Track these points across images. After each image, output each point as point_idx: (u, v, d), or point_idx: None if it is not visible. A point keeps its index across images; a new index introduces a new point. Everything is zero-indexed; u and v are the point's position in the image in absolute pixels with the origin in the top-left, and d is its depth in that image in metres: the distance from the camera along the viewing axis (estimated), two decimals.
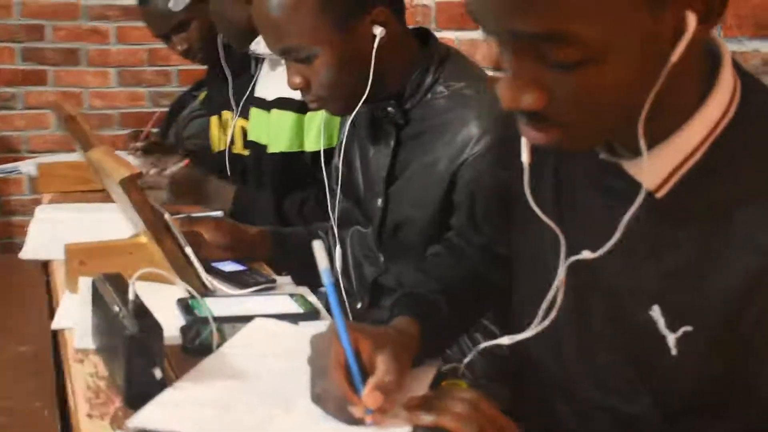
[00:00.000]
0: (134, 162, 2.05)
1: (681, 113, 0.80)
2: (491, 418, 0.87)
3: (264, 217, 1.79)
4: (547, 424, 1.01)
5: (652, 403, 0.90)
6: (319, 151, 1.75)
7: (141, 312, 0.92)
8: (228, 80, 2.26)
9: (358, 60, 1.31)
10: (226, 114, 2.41)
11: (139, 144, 2.38)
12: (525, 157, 0.88)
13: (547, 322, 0.94)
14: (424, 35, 1.42)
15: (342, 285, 1.50)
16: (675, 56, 0.73)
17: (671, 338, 0.85)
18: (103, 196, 2.00)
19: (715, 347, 0.83)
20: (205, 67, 2.60)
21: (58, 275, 1.39)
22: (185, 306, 1.19)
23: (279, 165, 1.87)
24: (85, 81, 3.31)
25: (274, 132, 1.90)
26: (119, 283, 1.02)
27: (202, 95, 2.91)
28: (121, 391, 0.90)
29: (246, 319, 1.14)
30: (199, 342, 1.03)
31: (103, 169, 1.28)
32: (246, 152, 2.20)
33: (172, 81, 3.41)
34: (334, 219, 1.49)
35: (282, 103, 1.86)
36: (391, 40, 1.32)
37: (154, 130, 2.78)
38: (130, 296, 0.95)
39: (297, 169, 1.84)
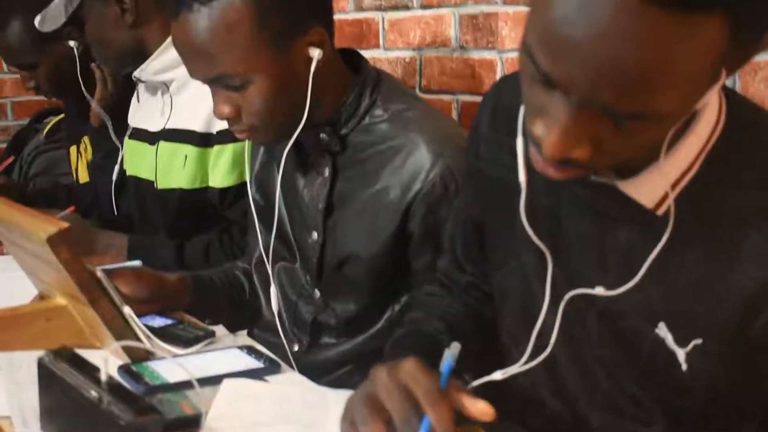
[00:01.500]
0: None
1: (675, 131, 0.78)
2: None
3: (164, 266, 1.62)
4: None
5: (667, 421, 0.88)
6: (227, 188, 1.64)
7: (126, 396, 0.78)
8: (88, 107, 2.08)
9: (294, 85, 1.21)
10: (87, 140, 2.22)
11: None
12: (522, 177, 0.85)
13: (543, 356, 0.89)
14: (350, 56, 1.33)
15: (279, 326, 1.38)
16: (700, 104, 0.73)
17: (681, 353, 0.84)
18: None
19: (726, 357, 0.82)
20: (40, 98, 2.40)
21: None
22: (131, 373, 1.04)
23: (176, 203, 1.71)
24: None
25: (163, 166, 1.74)
26: (77, 361, 0.87)
27: (47, 128, 2.69)
28: None
29: (210, 380, 1.01)
30: (178, 416, 0.90)
31: (10, 223, 1.10)
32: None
33: (7, 115, 3.10)
34: (267, 256, 1.36)
35: (174, 136, 1.71)
36: (326, 63, 1.23)
37: None
38: (103, 377, 0.80)
39: (199, 208, 1.69)
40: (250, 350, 1.15)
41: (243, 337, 1.26)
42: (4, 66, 3.05)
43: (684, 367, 0.84)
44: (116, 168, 1.98)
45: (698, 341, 0.82)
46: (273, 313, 1.40)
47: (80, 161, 2.29)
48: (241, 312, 1.48)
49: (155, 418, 0.75)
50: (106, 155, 2.05)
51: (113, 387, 0.79)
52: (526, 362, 0.89)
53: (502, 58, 1.54)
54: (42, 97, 2.41)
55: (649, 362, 0.86)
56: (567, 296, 0.87)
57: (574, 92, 0.68)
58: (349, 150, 1.28)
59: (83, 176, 2.29)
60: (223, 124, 1.61)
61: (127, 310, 1.09)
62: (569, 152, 0.71)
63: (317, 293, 1.36)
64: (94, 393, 0.78)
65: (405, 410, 0.78)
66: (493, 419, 0.78)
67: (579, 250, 0.89)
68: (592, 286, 0.85)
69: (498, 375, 0.90)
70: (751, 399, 0.86)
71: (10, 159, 2.49)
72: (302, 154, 1.33)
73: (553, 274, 0.89)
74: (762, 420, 0.88)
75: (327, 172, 1.30)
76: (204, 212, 1.71)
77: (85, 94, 2.04)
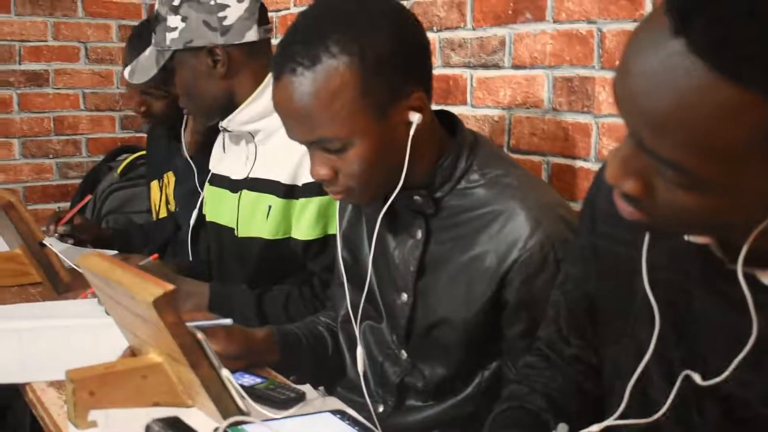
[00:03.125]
0: (57, 248, 1.86)
1: None
2: None
3: (242, 315, 1.63)
4: None
5: None
6: (311, 240, 1.65)
7: None
8: (175, 145, 2.11)
9: (393, 149, 1.20)
10: (170, 176, 2.26)
11: (60, 228, 2.18)
12: (646, 246, 0.85)
13: (652, 418, 0.87)
14: (446, 117, 1.33)
15: (364, 387, 1.36)
16: None
17: None
18: (42, 290, 1.81)
19: None
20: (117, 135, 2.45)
21: (49, 403, 1.20)
22: None
23: (257, 252, 1.72)
24: None
25: (245, 215, 1.75)
26: (183, 429, 0.86)
27: (121, 166, 2.74)
28: None
29: None
30: None
31: (111, 279, 1.11)
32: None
33: (81, 151, 3.16)
34: (354, 314, 1.36)
35: (258, 185, 1.72)
36: (425, 126, 1.22)
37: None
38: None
39: (281, 258, 1.69)
40: (343, 415, 1.15)
41: (332, 400, 1.25)
42: (81, 103, 3.12)
43: None
44: (195, 213, 2.01)
45: None
46: (358, 373, 1.39)
47: (162, 198, 2.32)
48: (324, 369, 1.47)
49: None
50: (187, 193, 2.08)
51: None
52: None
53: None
54: (114, 135, 2.45)
55: None
56: (682, 375, 0.84)
57: (625, 120, 0.73)
58: (444, 213, 1.27)
59: (162, 212, 2.32)
60: (308, 177, 1.61)
61: (225, 373, 1.08)
62: (622, 181, 0.76)
63: (404, 354, 1.35)
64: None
65: None
66: None
67: (707, 334, 0.86)
68: (714, 372, 0.83)
69: (594, 428, 0.89)
70: None
71: (88, 197, 2.53)
72: (394, 215, 1.32)
73: (672, 351, 0.87)
74: None
75: (420, 234, 1.29)
76: (283, 263, 1.71)
77: (182, 131, 2.08)
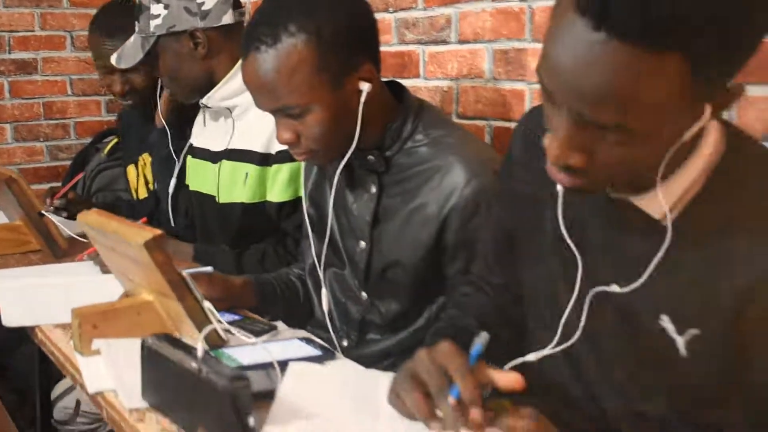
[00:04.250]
0: (54, 219, 2.05)
1: (683, 156, 0.96)
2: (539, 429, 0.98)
3: (224, 272, 1.83)
4: None
5: (667, 400, 1.04)
6: (283, 202, 1.84)
7: (221, 367, 0.97)
8: (146, 127, 2.28)
9: (347, 114, 1.40)
10: (146, 158, 2.43)
11: (56, 202, 2.36)
12: (560, 187, 1.01)
13: (571, 342, 1.07)
14: (395, 86, 1.53)
15: (329, 324, 1.57)
16: (688, 134, 0.91)
17: (681, 342, 0.99)
18: (42, 256, 1.99)
19: (718, 346, 0.98)
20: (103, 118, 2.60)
21: (56, 340, 1.39)
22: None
23: (238, 215, 1.91)
24: None
25: (225, 182, 1.95)
26: (175, 343, 1.07)
27: (107, 148, 2.91)
28: None
29: (279, 364, 1.20)
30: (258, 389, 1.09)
31: (107, 230, 1.31)
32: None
33: (70, 134, 3.35)
34: (319, 262, 1.56)
35: (236, 155, 1.91)
36: (374, 94, 1.42)
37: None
38: (200, 353, 1.00)
39: (258, 220, 1.89)
40: (309, 341, 1.35)
41: (300, 332, 1.45)
42: (68, 89, 3.30)
43: (682, 353, 0.99)
44: (172, 182, 2.19)
45: (696, 331, 0.98)
46: (324, 313, 1.59)
47: (139, 179, 2.50)
48: (296, 311, 1.67)
49: (246, 384, 0.94)
50: (163, 160, 2.25)
51: (208, 361, 0.99)
52: (554, 347, 1.08)
53: (531, 89, 1.73)
54: (101, 118, 2.63)
55: (654, 349, 1.02)
56: (591, 293, 1.04)
57: (563, 105, 0.88)
58: (393, 170, 1.47)
59: (142, 192, 2.50)
60: (281, 146, 1.81)
61: (207, 305, 1.28)
62: (567, 159, 0.90)
63: (364, 295, 1.55)
64: (194, 365, 0.97)
65: (440, 382, 0.97)
66: (523, 387, 0.97)
67: (600, 253, 1.06)
68: (609, 284, 1.03)
69: (531, 357, 1.08)
70: (737, 385, 1.02)
71: (80, 175, 2.71)
72: (351, 173, 1.52)
73: (570, 273, 1.07)
74: (743, 404, 1.03)
75: (373, 189, 1.49)
76: (260, 224, 1.91)
77: (160, 115, 2.25)
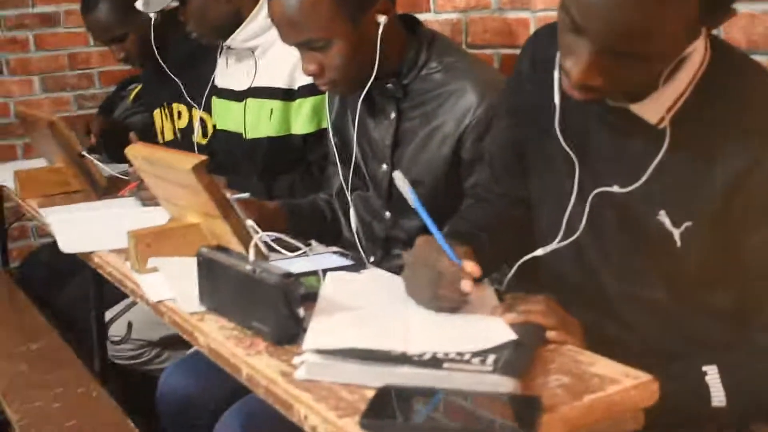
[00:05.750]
0: (94, 159, 2.18)
1: (675, 66, 1.08)
2: (561, 314, 1.12)
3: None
4: None
5: (665, 285, 1.17)
6: (309, 134, 1.97)
7: (272, 267, 1.11)
8: (171, 76, 2.40)
9: (366, 46, 1.52)
10: (179, 107, 2.55)
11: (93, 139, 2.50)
12: (557, 99, 1.15)
13: (575, 236, 1.21)
14: (409, 20, 1.64)
15: (357, 242, 1.71)
16: (687, 51, 1.06)
17: (676, 233, 1.13)
18: (84, 195, 2.13)
19: (709, 235, 1.11)
20: (126, 67, 2.73)
21: (114, 262, 1.54)
22: None
23: (265, 149, 2.04)
24: (10, 91, 3.35)
25: (251, 119, 2.07)
26: (227, 251, 1.21)
27: (132, 94, 3.03)
28: (268, 332, 1.09)
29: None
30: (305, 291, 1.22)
31: (156, 161, 1.44)
32: (203, 141, 2.36)
33: (95, 83, 3.48)
34: (347, 186, 1.70)
35: (260, 93, 2.04)
36: (390, 27, 1.54)
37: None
38: (251, 257, 1.14)
39: (285, 152, 2.02)
40: (342, 254, 1.49)
41: (333, 248, 1.60)
42: (91, 39, 3.41)
43: (678, 243, 1.13)
44: (196, 131, 2.32)
45: (689, 223, 1.12)
46: (352, 233, 1.73)
47: (165, 122, 2.63)
48: (324, 232, 1.81)
49: (295, 280, 1.08)
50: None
51: (259, 264, 1.13)
52: (560, 241, 1.21)
53: (535, 17, 1.84)
54: (125, 67, 2.75)
55: (652, 241, 1.15)
56: (593, 193, 1.18)
57: (593, 38, 1.00)
58: (411, 96, 1.60)
59: (168, 135, 2.63)
60: (303, 81, 1.94)
61: (249, 223, 1.43)
62: (588, 81, 1.03)
63: (387, 214, 1.69)
64: (248, 267, 1.12)
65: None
66: (480, 274, 1.12)
67: (601, 157, 1.18)
68: (611, 185, 1.16)
69: (540, 251, 1.22)
70: (729, 268, 1.15)
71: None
72: (371, 101, 1.64)
73: (581, 175, 1.20)
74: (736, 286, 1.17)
75: (393, 114, 1.61)
76: (287, 157, 2.04)
77: (163, 65, 2.36)
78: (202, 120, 2.35)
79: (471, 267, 1.11)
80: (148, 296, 1.33)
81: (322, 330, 1.06)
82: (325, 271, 1.33)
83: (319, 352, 0.98)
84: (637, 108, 1.13)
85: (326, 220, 1.83)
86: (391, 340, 1.02)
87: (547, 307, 1.11)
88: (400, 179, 1.17)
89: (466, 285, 1.09)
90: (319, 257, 1.48)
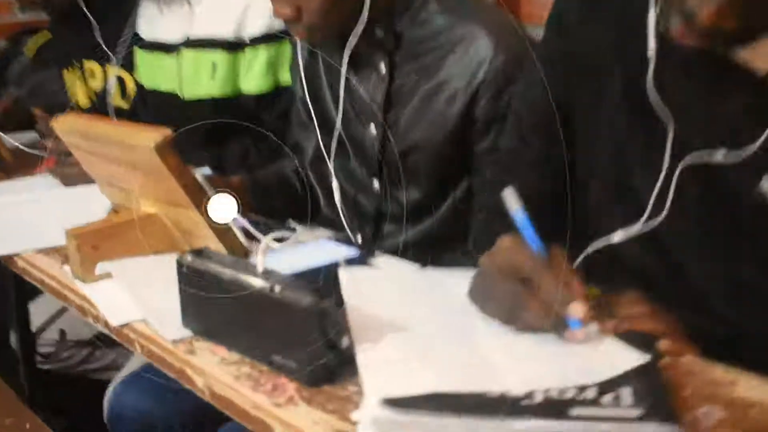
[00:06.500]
0: None
1: None
2: (666, 316, 0.88)
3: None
4: None
5: (760, 267, 0.94)
6: (262, 94, 1.66)
7: (293, 282, 0.82)
8: (86, 28, 2.03)
9: None
10: (90, 64, 2.17)
11: None
12: (653, 46, 0.92)
13: (660, 218, 0.96)
14: None
15: (343, 220, 1.43)
16: None
17: None
18: None
19: None
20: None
21: (45, 266, 1.21)
22: None
23: (208, 113, 1.72)
24: None
25: (188, 75, 1.74)
26: (219, 258, 0.91)
27: (32, 48, 2.62)
28: (296, 370, 0.81)
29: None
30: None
31: (98, 136, 1.12)
32: (124, 104, 2.01)
33: None
34: (329, 154, 1.40)
35: (199, 43, 1.70)
36: None
37: None
38: (259, 268, 0.85)
39: (233, 116, 1.70)
40: (338, 240, 1.21)
41: (320, 230, 1.31)
42: None
43: None
44: (112, 91, 1.97)
45: None
46: (334, 209, 1.45)
47: (79, 85, 2.25)
48: (294, 209, 1.52)
49: (333, 300, 0.80)
50: None
51: (273, 276, 0.84)
52: (645, 222, 0.97)
53: None
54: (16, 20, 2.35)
55: (748, 216, 0.92)
56: (683, 162, 0.93)
57: None
58: (405, 46, 1.31)
59: (83, 101, 2.25)
60: (254, 29, 1.62)
61: None
62: (722, 24, 0.79)
63: (376, 185, 1.41)
64: (261, 283, 0.82)
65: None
66: None
67: (690, 119, 0.94)
68: (705, 152, 0.92)
69: (617, 237, 0.97)
70: None
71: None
72: (354, 52, 1.34)
73: (654, 143, 0.96)
74: None
75: (383, 69, 1.32)
76: (240, 119, 1.72)
77: (84, 9, 1.99)
78: (120, 79, 1.99)
79: (580, 291, 0.84)
80: (106, 318, 1.02)
81: (377, 367, 0.79)
82: (333, 268, 1.05)
83: (392, 403, 0.71)
84: (744, 54, 0.88)
85: (298, 194, 1.53)
86: (475, 374, 0.76)
87: (650, 310, 0.87)
88: (511, 197, 0.88)
89: (576, 309, 0.82)
90: (312, 247, 1.20)
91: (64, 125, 1.18)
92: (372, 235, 1.43)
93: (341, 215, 1.42)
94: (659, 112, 0.94)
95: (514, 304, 0.84)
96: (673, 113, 0.95)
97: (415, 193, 1.38)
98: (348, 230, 1.42)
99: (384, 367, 0.78)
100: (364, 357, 0.80)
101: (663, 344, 0.83)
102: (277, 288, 0.81)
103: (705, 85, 0.93)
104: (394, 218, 1.42)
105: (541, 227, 1.11)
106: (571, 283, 0.83)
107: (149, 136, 1.03)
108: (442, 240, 1.40)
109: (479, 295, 0.90)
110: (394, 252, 1.41)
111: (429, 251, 1.38)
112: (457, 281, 1.00)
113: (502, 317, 0.86)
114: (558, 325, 0.82)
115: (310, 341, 0.79)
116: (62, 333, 1.73)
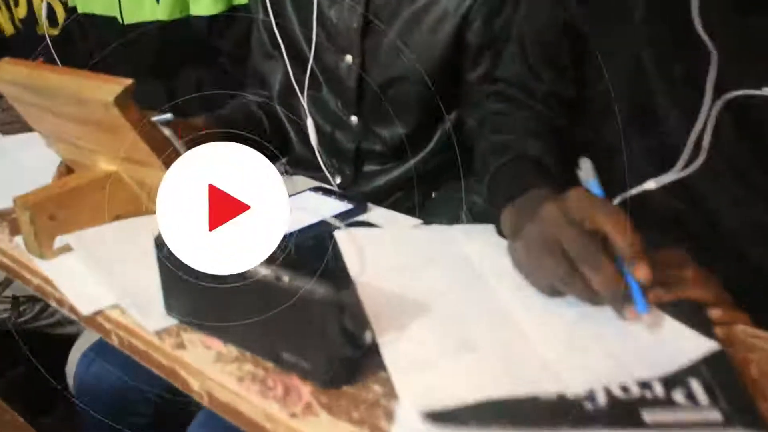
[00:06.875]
0: None
1: None
2: (704, 278, 0.79)
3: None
4: None
5: None
6: (216, 16, 1.49)
7: (302, 267, 0.70)
8: None
9: None
10: None
11: None
12: None
13: (700, 161, 0.86)
14: None
15: (319, 159, 1.30)
16: None
17: None
18: None
19: None
20: None
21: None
22: None
23: (153, 39, 1.54)
24: None
25: None
26: None
27: None
28: (310, 371, 0.70)
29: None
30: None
31: (44, 88, 0.96)
32: (54, 31, 1.82)
33: None
34: (300, 85, 1.26)
35: None
36: None
37: None
38: None
39: (183, 43, 1.53)
40: (325, 191, 1.09)
41: (298, 178, 1.19)
42: None
43: None
44: (43, 19, 1.77)
45: None
46: (307, 148, 1.32)
47: (2, 12, 2.03)
48: (263, 148, 1.38)
49: (352, 291, 0.68)
50: None
51: (290, 260, 0.71)
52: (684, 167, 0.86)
53: None
54: None
55: None
56: (725, 97, 0.82)
57: None
58: None
59: (8, 29, 2.03)
60: None
61: None
62: None
63: (354, 120, 1.28)
64: (265, 271, 0.70)
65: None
66: None
67: (727, 49, 0.83)
68: (738, 86, 0.81)
69: (651, 183, 0.87)
70: None
71: None
72: None
73: (689, 77, 0.85)
74: None
75: None
76: (185, 48, 1.55)
77: None
78: (49, 5, 1.79)
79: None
80: (75, 306, 0.88)
81: (406, 363, 0.68)
82: (328, 231, 0.93)
83: (436, 418, 0.60)
84: None
85: (266, 132, 1.39)
86: (519, 362, 0.66)
87: (700, 272, 0.78)
88: (587, 167, 0.76)
89: (643, 271, 0.71)
90: (300, 199, 1.07)
91: (1, 74, 1.01)
92: (353, 177, 1.31)
93: (317, 155, 1.29)
94: (707, 42, 0.82)
95: (583, 254, 0.72)
96: (716, 45, 0.83)
97: (398, 129, 1.26)
98: (326, 171, 1.29)
99: (414, 362, 0.67)
100: (389, 352, 0.69)
101: (714, 313, 0.74)
102: (285, 277, 0.68)
103: (755, 17, 0.82)
104: (378, 156, 1.30)
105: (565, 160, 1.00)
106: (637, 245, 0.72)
107: (107, 89, 0.87)
108: (430, 178, 1.28)
109: (533, 244, 0.77)
110: (378, 194, 1.30)
111: (417, 192, 1.27)
112: (467, 239, 0.90)
113: (557, 273, 0.74)
114: (618, 299, 0.71)
115: (328, 339, 0.67)
116: (15, 300, 1.58)
